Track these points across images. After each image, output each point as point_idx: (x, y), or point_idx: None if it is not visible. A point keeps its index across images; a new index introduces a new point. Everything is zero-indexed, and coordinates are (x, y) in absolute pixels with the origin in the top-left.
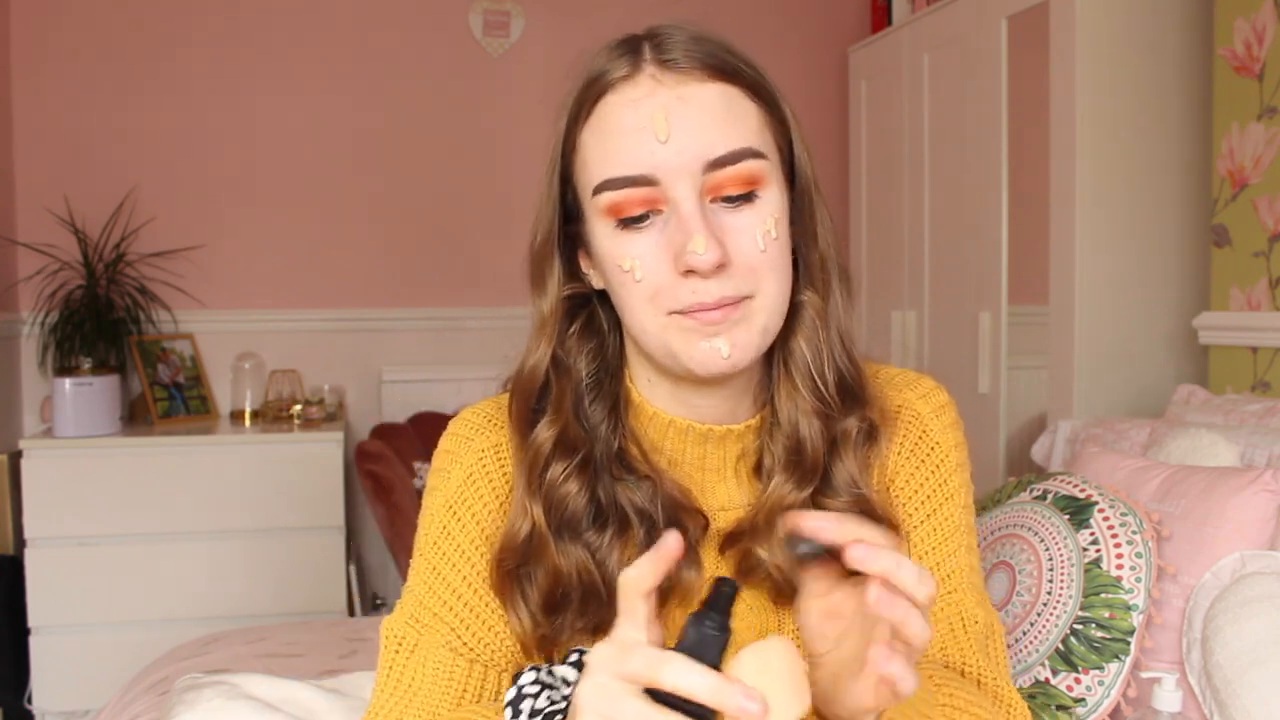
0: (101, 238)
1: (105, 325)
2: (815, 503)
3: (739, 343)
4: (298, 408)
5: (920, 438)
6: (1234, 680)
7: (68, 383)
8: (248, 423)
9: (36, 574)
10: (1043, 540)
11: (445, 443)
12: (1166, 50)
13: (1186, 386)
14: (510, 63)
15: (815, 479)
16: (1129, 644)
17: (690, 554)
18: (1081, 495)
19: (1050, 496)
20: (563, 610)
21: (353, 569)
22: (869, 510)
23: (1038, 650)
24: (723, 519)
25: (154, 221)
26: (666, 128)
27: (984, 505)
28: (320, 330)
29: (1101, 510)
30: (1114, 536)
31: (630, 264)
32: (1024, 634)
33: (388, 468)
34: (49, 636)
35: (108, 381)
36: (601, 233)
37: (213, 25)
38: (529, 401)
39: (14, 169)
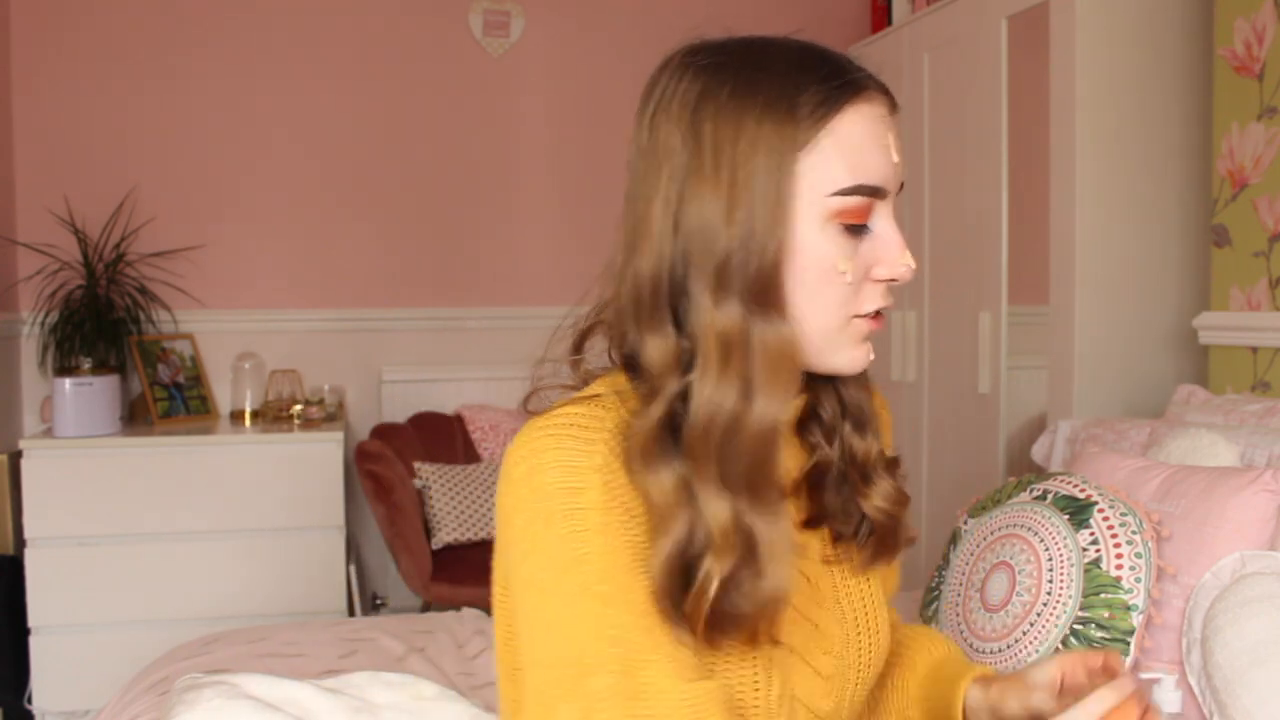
0: (101, 238)
1: (105, 325)
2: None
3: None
4: (298, 408)
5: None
6: (1234, 680)
7: (68, 383)
8: (248, 423)
9: (36, 574)
10: (1043, 540)
11: (552, 458)
12: (1166, 50)
13: (1186, 386)
14: (510, 63)
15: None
16: (1129, 644)
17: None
18: (1081, 495)
19: (1050, 496)
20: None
21: (353, 569)
22: (894, 465)
23: (1038, 650)
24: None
25: (154, 221)
26: (897, 149)
27: (984, 505)
28: (320, 330)
29: (1101, 510)
30: (1114, 536)
31: (845, 266)
32: (1024, 634)
33: (388, 468)
34: (49, 636)
35: (108, 381)
36: (817, 231)
37: (213, 25)
38: (761, 463)
39: (14, 169)
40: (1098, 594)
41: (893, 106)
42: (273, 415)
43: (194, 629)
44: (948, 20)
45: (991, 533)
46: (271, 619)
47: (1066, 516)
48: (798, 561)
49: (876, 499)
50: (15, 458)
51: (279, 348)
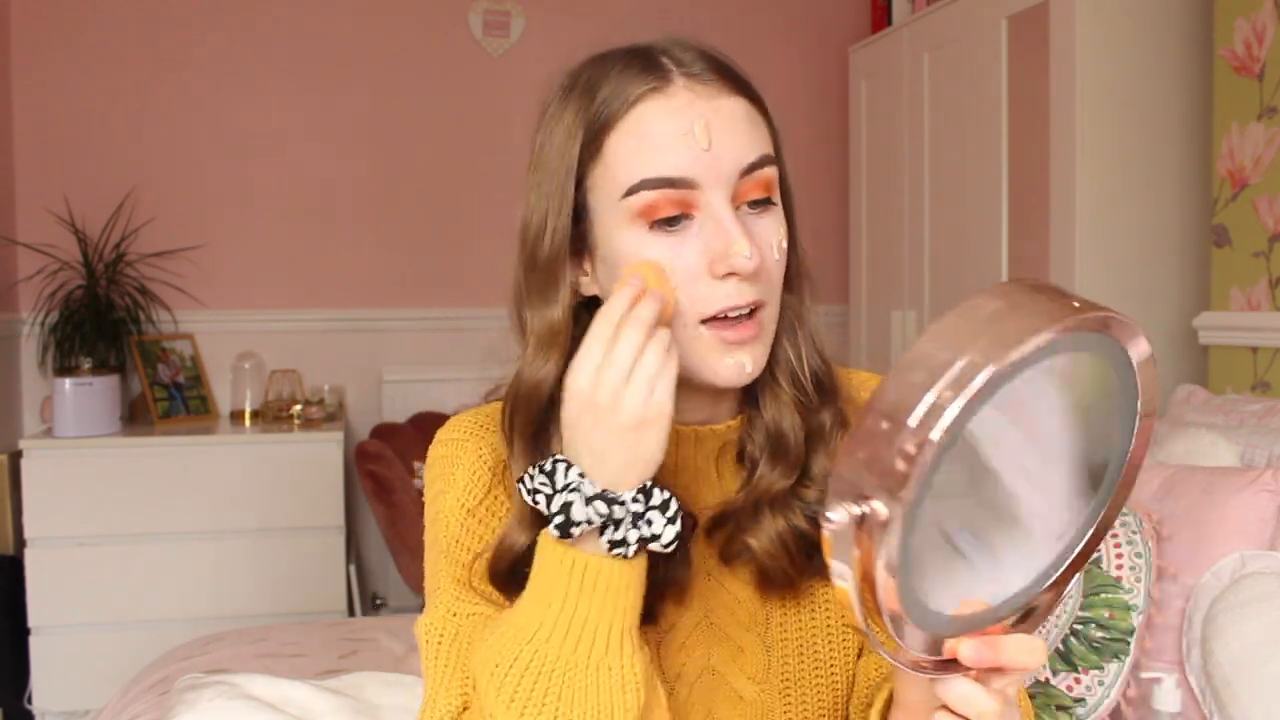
0: (101, 238)
1: (105, 325)
2: (794, 493)
3: (757, 358)
4: (298, 408)
5: None
6: (1234, 680)
7: (68, 383)
8: (248, 423)
9: (36, 574)
10: None
11: (440, 449)
12: (1166, 50)
13: (1186, 386)
14: (510, 63)
15: (798, 470)
16: (1129, 644)
17: (681, 552)
18: None
19: None
20: None
21: (353, 569)
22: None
23: None
24: (705, 517)
25: (154, 221)
26: (708, 136)
27: None
28: (320, 330)
29: None
30: (1114, 536)
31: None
32: None
33: (388, 468)
34: (49, 636)
35: (108, 381)
36: (627, 237)
37: (212, 25)
38: (534, 418)
39: (14, 169)
40: (1098, 594)
41: (722, 90)
42: (273, 415)
43: (194, 629)
44: (947, 20)
45: None
46: (271, 619)
47: None
48: (727, 580)
49: (756, 537)
50: (15, 458)
51: (279, 348)
